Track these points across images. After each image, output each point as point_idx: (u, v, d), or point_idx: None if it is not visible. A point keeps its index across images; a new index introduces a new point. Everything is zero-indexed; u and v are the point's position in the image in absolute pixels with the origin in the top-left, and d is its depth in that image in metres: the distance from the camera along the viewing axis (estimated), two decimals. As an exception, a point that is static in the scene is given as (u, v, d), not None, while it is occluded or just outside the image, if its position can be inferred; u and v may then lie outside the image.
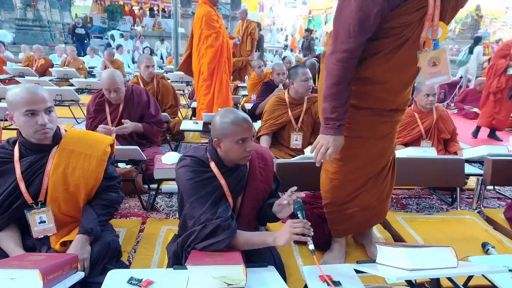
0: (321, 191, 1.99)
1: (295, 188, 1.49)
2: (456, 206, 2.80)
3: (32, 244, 1.63)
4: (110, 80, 2.78)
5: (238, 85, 6.47)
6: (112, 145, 1.80)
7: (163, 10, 20.49)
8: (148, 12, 19.89)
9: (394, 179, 1.97)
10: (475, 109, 6.62)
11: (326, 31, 16.90)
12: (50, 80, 6.62)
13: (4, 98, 2.65)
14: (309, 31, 12.80)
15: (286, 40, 21.80)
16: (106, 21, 17.53)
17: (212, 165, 1.55)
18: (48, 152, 1.63)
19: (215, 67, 4.21)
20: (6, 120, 1.85)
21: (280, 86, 4.32)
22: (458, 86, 7.79)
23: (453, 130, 3.29)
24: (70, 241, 1.59)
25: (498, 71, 4.88)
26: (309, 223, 1.35)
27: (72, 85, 6.35)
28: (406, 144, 3.21)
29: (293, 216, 1.47)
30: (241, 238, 1.43)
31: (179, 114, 4.66)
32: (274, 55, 15.13)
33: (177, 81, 7.29)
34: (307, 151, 2.87)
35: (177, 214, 2.39)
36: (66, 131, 1.73)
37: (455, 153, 3.17)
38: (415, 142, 3.24)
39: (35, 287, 1.09)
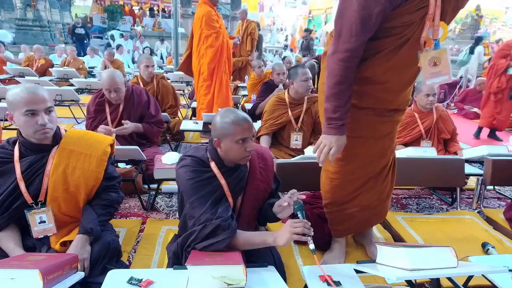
0: (321, 191, 1.99)
1: (295, 190, 1.49)
2: (456, 206, 2.80)
3: (32, 244, 1.63)
4: (111, 80, 2.78)
5: (238, 85, 6.47)
6: (112, 145, 1.80)
7: (163, 10, 20.49)
8: (148, 12, 19.89)
9: (394, 179, 1.97)
10: (475, 109, 6.62)
11: (326, 31, 16.90)
12: (50, 80, 6.62)
13: (4, 98, 2.65)
14: (308, 31, 12.80)
15: (286, 40, 21.80)
16: (106, 21, 17.52)
17: (212, 165, 1.55)
18: (48, 152, 1.63)
19: (215, 67, 4.21)
20: (6, 120, 1.85)
21: (280, 86, 4.32)
22: (458, 86, 7.79)
23: (453, 130, 3.29)
24: (70, 241, 1.59)
25: (499, 71, 4.88)
26: (309, 223, 1.35)
27: (72, 85, 6.35)
28: (406, 144, 3.21)
29: (293, 216, 1.47)
30: (241, 238, 1.43)
31: (179, 114, 4.66)
32: (274, 55, 15.12)
33: (177, 81, 7.29)
34: (307, 151, 2.87)
35: (177, 214, 2.39)
36: (66, 131, 1.73)
37: (455, 153, 3.17)
38: (415, 142, 3.24)
39: (35, 287, 1.09)
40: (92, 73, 8.32)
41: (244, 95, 5.82)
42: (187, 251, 1.45)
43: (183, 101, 6.40)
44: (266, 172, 1.68)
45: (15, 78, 6.71)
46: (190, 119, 4.86)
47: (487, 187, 3.16)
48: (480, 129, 5.34)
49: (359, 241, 2.20)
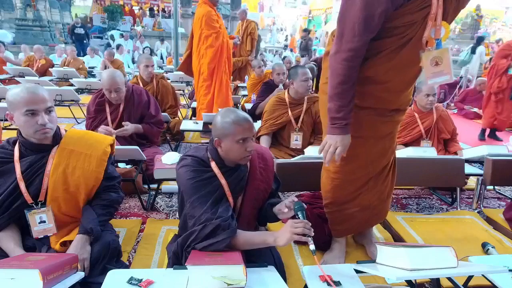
0: (321, 190, 1.99)
1: (296, 199, 1.49)
2: (456, 206, 2.80)
3: (32, 244, 1.63)
4: (111, 80, 2.78)
5: (238, 85, 6.47)
6: (112, 145, 1.80)
7: (163, 10, 20.49)
8: (148, 12, 19.89)
9: (394, 179, 1.97)
10: (475, 109, 6.62)
11: (326, 31, 16.90)
12: (50, 80, 6.62)
13: (4, 98, 2.65)
14: (306, 31, 12.81)
15: (286, 40, 21.81)
16: (106, 21, 17.53)
17: (213, 164, 1.55)
18: (48, 152, 1.63)
19: (215, 67, 4.21)
20: (6, 120, 1.85)
21: (280, 86, 4.32)
22: (458, 86, 7.79)
23: (453, 130, 3.29)
24: (70, 241, 1.58)
25: (499, 71, 4.88)
26: (310, 224, 1.35)
27: (72, 85, 6.35)
28: (406, 144, 3.22)
29: (293, 216, 1.47)
30: (241, 238, 1.43)
31: (179, 114, 4.66)
32: (274, 55, 15.13)
33: (177, 81, 7.29)
34: (307, 151, 2.88)
35: (177, 214, 2.39)
36: (66, 131, 1.73)
37: (455, 153, 3.17)
38: (415, 142, 3.24)
39: (35, 287, 1.09)
40: (92, 73, 8.32)
41: (244, 95, 5.82)
42: (187, 251, 1.45)
43: (183, 101, 6.40)
44: (266, 172, 1.68)
45: (15, 78, 6.71)
46: (190, 119, 4.86)
47: (487, 187, 3.16)
48: (484, 131, 5.32)
49: (359, 241, 2.20)
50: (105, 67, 7.61)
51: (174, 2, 9.66)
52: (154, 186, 2.78)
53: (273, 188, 1.74)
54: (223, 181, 1.53)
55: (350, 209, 1.91)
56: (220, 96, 4.28)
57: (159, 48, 13.38)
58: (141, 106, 3.07)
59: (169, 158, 2.49)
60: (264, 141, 3.22)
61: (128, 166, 2.68)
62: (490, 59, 7.26)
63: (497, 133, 5.30)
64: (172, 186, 2.87)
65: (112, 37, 14.72)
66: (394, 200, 2.97)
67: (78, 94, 5.48)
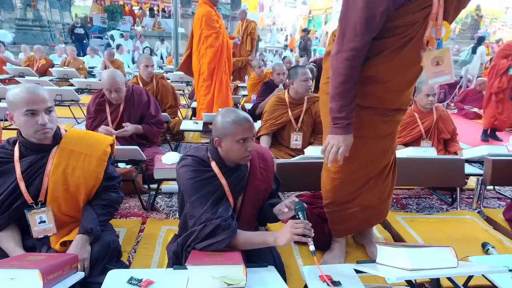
0: (322, 190, 1.99)
1: (296, 199, 1.49)
2: (456, 206, 2.80)
3: (32, 244, 1.63)
4: (111, 80, 2.78)
5: (238, 85, 6.47)
6: (112, 145, 1.80)
7: (163, 10, 20.49)
8: (148, 12, 19.89)
9: (395, 179, 1.97)
10: (475, 109, 6.62)
11: (326, 31, 16.90)
12: (50, 80, 6.62)
13: (4, 98, 2.65)
14: (305, 31, 12.83)
15: (286, 40, 21.81)
16: (106, 21, 17.53)
17: (213, 164, 1.55)
18: (48, 152, 1.63)
19: (215, 67, 4.21)
20: (6, 120, 1.85)
21: (280, 86, 4.32)
22: (458, 86, 7.79)
23: (453, 130, 3.29)
24: (70, 241, 1.58)
25: (500, 71, 4.87)
26: (310, 224, 1.35)
27: (72, 85, 6.35)
28: (406, 144, 3.22)
29: (293, 216, 1.47)
30: (242, 238, 1.43)
31: (179, 114, 4.66)
32: (274, 55, 15.13)
33: (177, 81, 7.29)
34: (307, 151, 2.88)
35: (177, 214, 2.39)
36: (66, 131, 1.73)
37: (455, 153, 3.17)
38: (415, 142, 3.24)
39: (35, 287, 1.09)
40: (92, 73, 8.32)
41: (244, 95, 5.82)
42: (187, 251, 1.45)
43: (183, 101, 6.40)
44: (267, 172, 1.68)
45: (15, 78, 6.71)
46: (190, 119, 4.86)
47: (487, 187, 3.16)
48: (486, 132, 5.31)
49: (359, 241, 2.20)
50: (105, 67, 7.61)
51: (174, 2, 9.66)
52: (154, 186, 2.78)
53: (273, 188, 1.74)
54: (223, 181, 1.53)
55: (351, 209, 1.91)
56: (220, 96, 4.27)
57: (159, 48, 13.37)
58: (141, 106, 3.07)
59: (169, 158, 2.49)
60: (264, 141, 3.22)
61: (128, 166, 2.68)
62: (491, 59, 7.26)
63: (497, 133, 5.31)
64: (172, 186, 2.87)
65: (112, 37, 14.72)
66: (394, 200, 2.97)
67: (78, 94, 5.48)
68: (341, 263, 1.92)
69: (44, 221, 1.62)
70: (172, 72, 8.25)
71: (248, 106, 4.77)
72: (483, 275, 1.45)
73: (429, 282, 1.91)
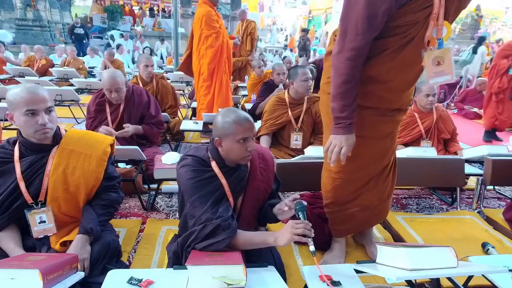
0: (322, 190, 1.99)
1: (298, 196, 1.49)
2: (456, 206, 2.80)
3: (32, 244, 1.63)
4: (112, 80, 2.78)
5: (238, 85, 6.47)
6: (112, 145, 1.80)
7: (163, 10, 20.49)
8: (148, 12, 19.89)
9: (395, 179, 1.97)
10: (475, 109, 6.62)
11: (326, 31, 16.89)
12: (50, 80, 6.62)
13: (4, 98, 2.65)
14: (305, 31, 12.83)
15: (286, 40, 21.81)
16: (106, 21, 17.53)
17: (213, 164, 1.55)
18: (48, 152, 1.63)
19: (215, 68, 4.21)
20: (6, 120, 1.85)
21: (280, 86, 4.32)
22: (458, 86, 7.79)
23: (453, 130, 3.29)
24: (70, 241, 1.58)
25: (500, 71, 4.87)
26: (310, 224, 1.35)
27: (72, 85, 6.35)
28: (406, 144, 3.22)
29: (294, 217, 1.47)
30: (242, 238, 1.43)
31: (179, 114, 4.66)
32: (274, 55, 15.13)
33: (177, 81, 7.29)
34: (307, 151, 2.88)
35: (177, 214, 2.39)
36: (66, 131, 1.73)
37: (455, 153, 3.17)
38: (415, 142, 3.24)
39: (35, 287, 1.09)
40: (92, 73, 8.32)
41: (244, 95, 5.82)
42: (187, 251, 1.45)
43: (183, 101, 6.40)
44: (267, 173, 1.68)
45: (15, 78, 6.71)
46: (190, 119, 4.86)
47: (487, 187, 3.16)
48: (488, 132, 5.30)
49: (359, 241, 2.20)
50: (105, 67, 7.61)
51: (174, 2, 9.66)
52: (154, 186, 2.78)
53: (273, 189, 1.74)
54: (223, 181, 1.53)
55: (351, 209, 1.91)
56: (220, 96, 4.27)
57: (159, 48, 13.38)
58: (142, 106, 3.07)
59: (169, 158, 2.49)
60: (264, 141, 3.22)
61: (128, 166, 2.68)
62: (491, 59, 7.25)
63: (497, 133, 5.31)
64: (172, 186, 2.87)
65: (112, 37, 14.72)
66: (394, 200, 2.97)
67: (78, 94, 5.48)
68: (341, 263, 1.92)
69: (44, 221, 1.62)
70: (172, 72, 8.25)
71: (248, 106, 4.77)
72: (483, 275, 1.45)
73: (429, 282, 1.91)
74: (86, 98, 5.50)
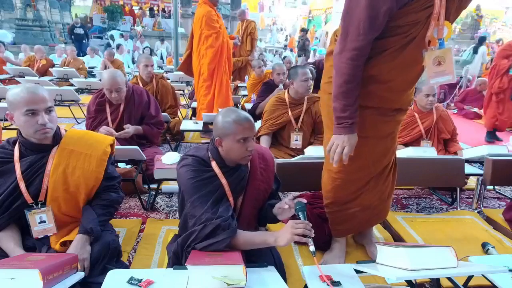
0: (322, 190, 1.99)
1: (297, 193, 1.49)
2: (456, 206, 2.80)
3: (32, 244, 1.63)
4: (112, 80, 2.78)
5: (238, 85, 6.47)
6: (112, 145, 1.80)
7: (163, 10, 20.49)
8: (148, 12, 19.89)
9: (395, 179, 1.97)
10: (475, 109, 6.62)
11: (326, 31, 16.88)
12: (50, 80, 6.62)
13: (4, 98, 2.65)
14: (304, 31, 12.82)
15: (286, 40, 21.81)
16: (106, 21, 17.52)
17: (214, 164, 1.55)
18: (48, 152, 1.63)
19: (215, 68, 4.21)
20: (6, 120, 1.85)
21: (280, 86, 4.32)
22: (458, 86, 7.79)
23: (453, 130, 3.29)
24: (70, 241, 1.58)
25: (501, 71, 4.87)
26: (310, 224, 1.35)
27: (72, 85, 6.35)
28: (406, 144, 3.22)
29: (294, 217, 1.47)
30: (242, 238, 1.43)
31: (179, 114, 4.66)
32: (274, 55, 15.12)
33: (177, 81, 7.29)
34: (307, 151, 2.88)
35: (177, 214, 2.39)
36: (66, 131, 1.73)
37: (455, 153, 3.17)
38: (415, 142, 3.24)
39: (35, 287, 1.09)
40: (92, 73, 8.32)
41: (244, 95, 5.82)
42: (187, 251, 1.45)
43: (183, 101, 6.40)
44: (267, 173, 1.68)
45: (15, 78, 6.71)
46: (190, 119, 4.86)
47: (487, 187, 3.16)
48: (489, 133, 5.29)
49: (359, 241, 2.20)
50: (105, 67, 7.61)
51: (174, 2, 9.66)
52: (154, 186, 2.78)
53: (273, 189, 1.74)
54: (223, 180, 1.53)
55: (351, 209, 1.91)
56: (220, 96, 4.27)
57: (159, 48, 13.37)
58: (142, 106, 3.07)
59: (169, 158, 2.49)
60: (264, 141, 3.22)
61: (128, 166, 2.68)
62: (491, 59, 7.25)
63: (497, 133, 5.31)
64: (172, 186, 2.87)
65: (112, 37, 14.72)
66: (394, 200, 2.97)
67: (78, 94, 5.48)
68: (341, 263, 1.92)
69: (44, 221, 1.62)
70: (172, 72, 8.25)
71: (248, 106, 4.77)
72: (483, 275, 1.45)
73: (429, 282, 1.91)
74: (86, 98, 5.50)
